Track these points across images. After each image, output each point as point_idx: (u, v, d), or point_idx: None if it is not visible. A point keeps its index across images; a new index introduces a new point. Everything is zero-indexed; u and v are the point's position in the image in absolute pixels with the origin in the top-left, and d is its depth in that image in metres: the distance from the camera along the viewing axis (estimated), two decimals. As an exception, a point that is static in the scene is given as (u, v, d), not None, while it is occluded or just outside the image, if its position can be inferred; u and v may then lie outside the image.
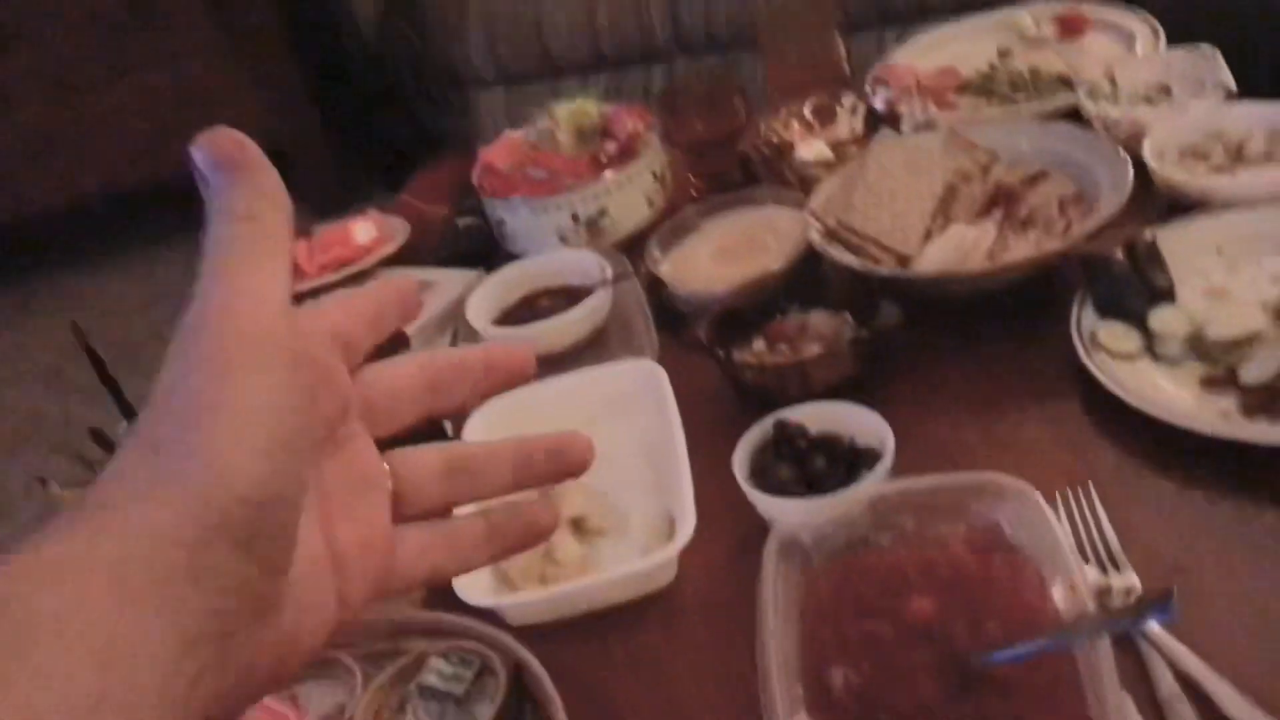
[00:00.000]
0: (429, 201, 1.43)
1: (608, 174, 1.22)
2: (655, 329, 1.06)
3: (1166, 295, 0.88)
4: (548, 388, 0.96)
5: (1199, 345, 0.84)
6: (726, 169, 1.25)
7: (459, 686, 0.72)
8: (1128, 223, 0.91)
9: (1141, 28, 1.25)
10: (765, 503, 0.79)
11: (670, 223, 1.17)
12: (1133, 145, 1.01)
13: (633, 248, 1.18)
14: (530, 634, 0.76)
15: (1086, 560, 0.70)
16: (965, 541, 0.65)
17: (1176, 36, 1.19)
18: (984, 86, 1.25)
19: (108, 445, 0.84)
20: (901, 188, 1.01)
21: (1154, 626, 0.64)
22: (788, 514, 0.75)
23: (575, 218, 1.21)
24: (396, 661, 0.75)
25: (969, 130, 1.07)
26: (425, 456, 0.39)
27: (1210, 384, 0.82)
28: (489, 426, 0.92)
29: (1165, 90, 1.12)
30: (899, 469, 0.78)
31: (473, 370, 0.40)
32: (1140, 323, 0.86)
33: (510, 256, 1.23)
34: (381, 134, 2.98)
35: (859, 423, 0.82)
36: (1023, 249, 0.95)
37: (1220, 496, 0.74)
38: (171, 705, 0.27)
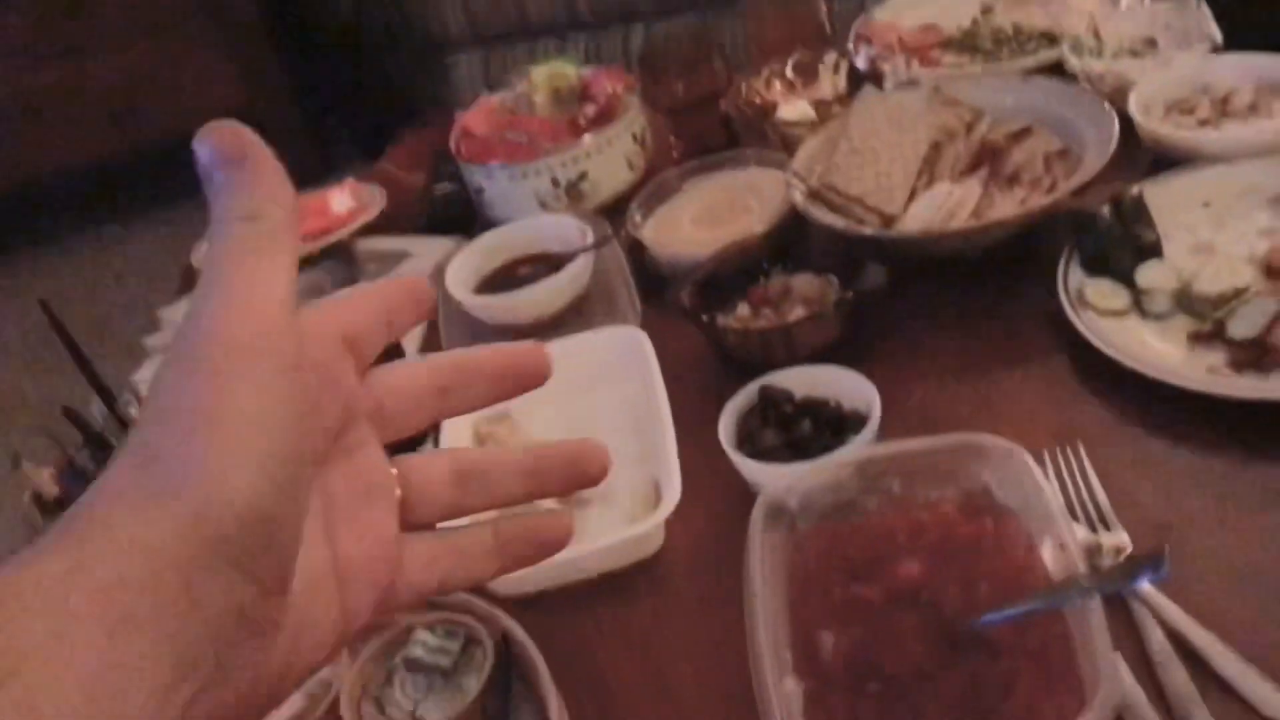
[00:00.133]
0: (407, 169, 1.41)
1: (587, 137, 1.20)
2: (638, 294, 1.05)
3: (1153, 251, 0.87)
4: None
5: (1186, 301, 0.84)
6: (708, 130, 1.23)
7: (446, 659, 0.71)
8: (1114, 178, 0.91)
9: (1126, -20, 1.24)
10: (751, 468, 0.78)
11: (651, 186, 1.15)
12: (1118, 99, 1.00)
13: (614, 212, 1.16)
14: (517, 605, 0.76)
15: (1076, 519, 0.70)
16: (953, 503, 0.65)
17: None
18: (967, 43, 1.23)
19: (80, 424, 0.83)
20: (885, 146, 0.99)
21: (1144, 585, 0.64)
22: (774, 479, 0.74)
23: (555, 182, 1.20)
24: (382, 634, 0.74)
25: (952, 87, 1.05)
26: (434, 463, 0.37)
27: (1198, 339, 0.81)
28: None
29: (1150, 43, 1.10)
30: (886, 432, 0.77)
31: (486, 372, 0.38)
32: (1127, 279, 0.86)
33: (489, 224, 1.21)
34: (358, 102, 2.94)
35: (845, 386, 0.81)
36: (1008, 206, 0.94)
37: (1210, 452, 0.74)
38: None
